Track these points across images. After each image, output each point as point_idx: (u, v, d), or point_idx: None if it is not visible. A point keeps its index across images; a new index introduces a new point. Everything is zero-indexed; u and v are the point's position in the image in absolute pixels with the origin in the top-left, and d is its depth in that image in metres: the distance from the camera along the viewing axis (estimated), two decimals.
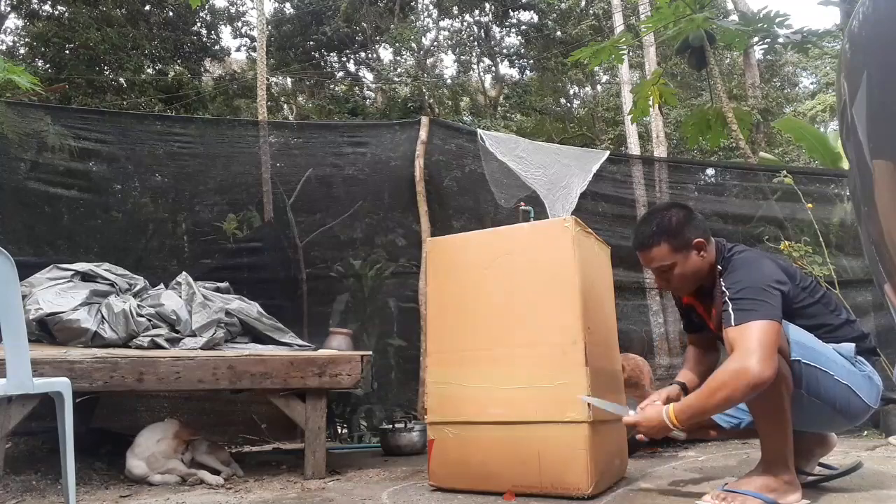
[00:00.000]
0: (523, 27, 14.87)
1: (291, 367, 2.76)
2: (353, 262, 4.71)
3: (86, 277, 3.17)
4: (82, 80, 9.71)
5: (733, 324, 1.77)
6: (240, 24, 14.13)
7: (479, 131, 4.61)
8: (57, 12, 10.71)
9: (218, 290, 3.40)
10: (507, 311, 2.29)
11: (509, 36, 15.37)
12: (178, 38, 11.60)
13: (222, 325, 3.10)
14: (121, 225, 4.55)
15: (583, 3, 13.39)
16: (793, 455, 1.85)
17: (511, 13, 14.62)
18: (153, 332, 2.92)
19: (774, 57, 12.35)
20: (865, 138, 0.91)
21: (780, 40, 4.63)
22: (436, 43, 14.46)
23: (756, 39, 4.96)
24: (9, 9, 10.93)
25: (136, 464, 2.65)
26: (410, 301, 4.45)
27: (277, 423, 4.07)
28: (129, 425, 3.38)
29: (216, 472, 2.71)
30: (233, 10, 14.01)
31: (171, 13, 11.60)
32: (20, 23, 11.31)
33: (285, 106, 14.13)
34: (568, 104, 15.67)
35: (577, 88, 15.97)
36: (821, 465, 2.20)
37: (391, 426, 3.61)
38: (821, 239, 4.00)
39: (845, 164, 4.29)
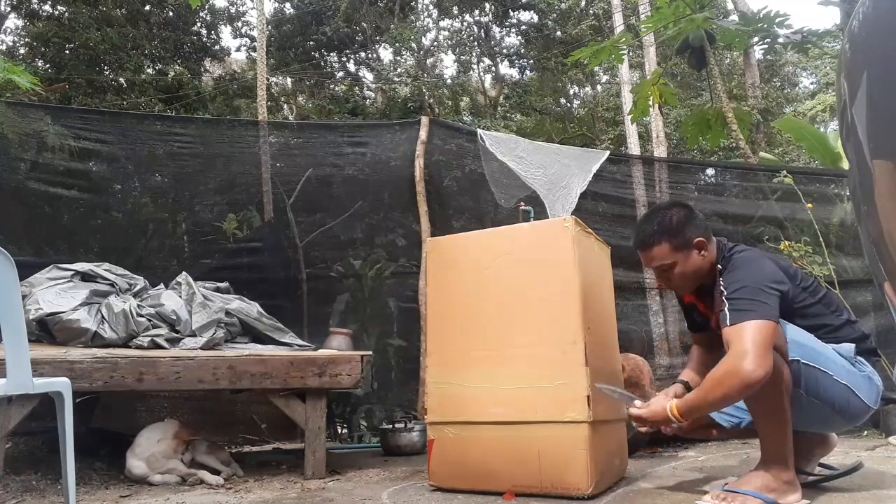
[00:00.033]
0: (523, 27, 14.87)
1: (291, 367, 2.76)
2: (353, 262, 4.71)
3: (86, 277, 3.17)
4: (82, 80, 9.71)
5: (728, 324, 1.79)
6: (240, 24, 14.14)
7: (479, 131, 4.61)
8: (57, 12, 10.71)
9: (218, 290, 3.40)
10: (507, 311, 2.29)
11: (509, 36, 15.39)
12: (178, 38, 11.60)
13: (222, 325, 3.10)
14: (121, 225, 4.55)
15: (583, 3, 13.39)
16: (793, 455, 1.85)
17: (511, 13, 14.62)
18: (153, 332, 2.92)
19: (774, 57, 12.35)
20: (865, 138, 0.91)
21: (780, 40, 4.63)
22: (436, 43, 14.47)
23: (756, 39, 4.96)
24: (9, 9, 10.93)
25: (136, 464, 2.65)
26: (410, 301, 4.45)
27: (277, 423, 4.07)
28: (129, 425, 3.38)
29: (216, 472, 2.71)
30: (233, 10, 14.02)
31: (171, 13, 11.60)
32: (20, 23, 11.32)
33: (285, 106, 14.13)
34: (568, 104, 15.67)
35: (577, 88, 15.97)
36: (821, 465, 2.20)
37: (391, 426, 3.62)
38: (821, 239, 4.00)
39: (845, 164, 4.30)
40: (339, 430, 4.43)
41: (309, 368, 2.78)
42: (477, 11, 14.68)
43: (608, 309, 2.57)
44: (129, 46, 10.34)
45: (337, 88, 14.66)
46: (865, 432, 3.49)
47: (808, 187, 4.62)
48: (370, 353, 3.08)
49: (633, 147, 8.17)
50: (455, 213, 5.03)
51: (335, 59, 14.90)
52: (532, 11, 14.40)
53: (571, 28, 13.01)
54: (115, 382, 2.50)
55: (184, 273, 3.35)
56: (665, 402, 1.91)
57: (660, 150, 7.53)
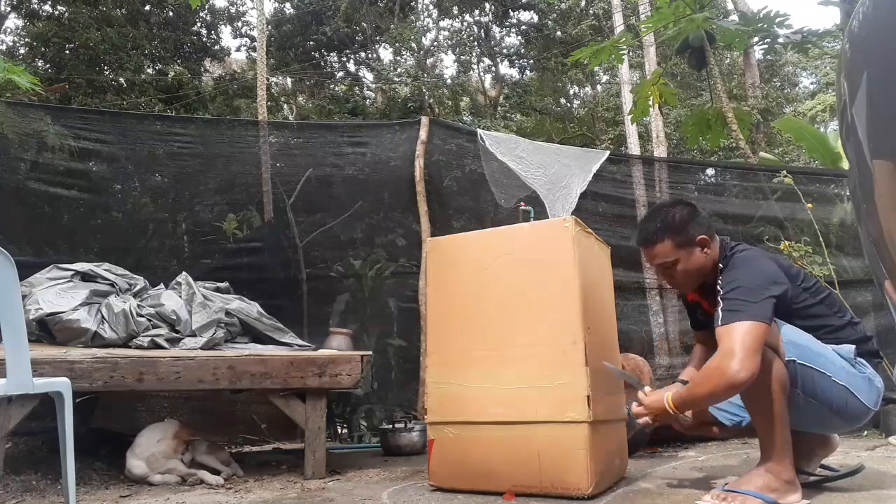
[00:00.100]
0: (523, 27, 14.87)
1: (291, 367, 2.76)
2: (353, 262, 4.71)
3: (86, 277, 3.17)
4: (82, 80, 9.70)
5: (720, 323, 1.81)
6: (240, 24, 14.13)
7: (479, 131, 4.61)
8: (57, 12, 10.71)
9: (218, 290, 3.40)
10: (507, 311, 2.29)
11: (509, 36, 15.38)
12: (178, 38, 11.60)
13: (222, 325, 3.10)
14: (121, 225, 4.55)
15: (583, 3, 13.38)
16: (792, 454, 1.85)
17: (511, 13, 14.61)
18: (153, 332, 2.92)
19: (774, 57, 12.34)
20: (865, 138, 0.91)
21: (780, 40, 4.63)
22: (436, 43, 14.46)
23: (756, 39, 4.96)
24: (9, 9, 10.93)
25: (136, 464, 2.65)
26: (410, 301, 4.45)
27: (277, 423, 4.07)
28: (129, 425, 3.38)
29: (216, 472, 2.71)
30: (233, 10, 14.01)
31: (171, 13, 11.59)
32: (20, 23, 11.32)
33: (285, 106, 14.12)
34: (568, 104, 15.66)
35: (577, 88, 15.97)
36: (822, 466, 2.20)
37: (391, 426, 3.62)
38: (821, 239, 4.00)
39: (845, 164, 4.30)
40: (339, 430, 4.43)
41: (309, 368, 2.78)
42: (477, 11, 14.68)
43: (608, 309, 2.57)
44: (129, 46, 10.34)
45: (337, 88, 14.66)
46: (865, 432, 3.49)
47: (808, 187, 4.63)
48: (370, 353, 3.08)
49: (633, 147, 8.17)
50: (455, 213, 5.03)
51: (335, 59, 14.90)
52: (532, 11, 14.40)
53: (571, 28, 13.01)
54: (115, 382, 2.50)
55: (184, 273, 3.35)
56: (663, 395, 1.96)
57: (660, 150, 7.53)
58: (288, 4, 14.33)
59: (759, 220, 4.76)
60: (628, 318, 4.67)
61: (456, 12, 14.62)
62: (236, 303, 3.29)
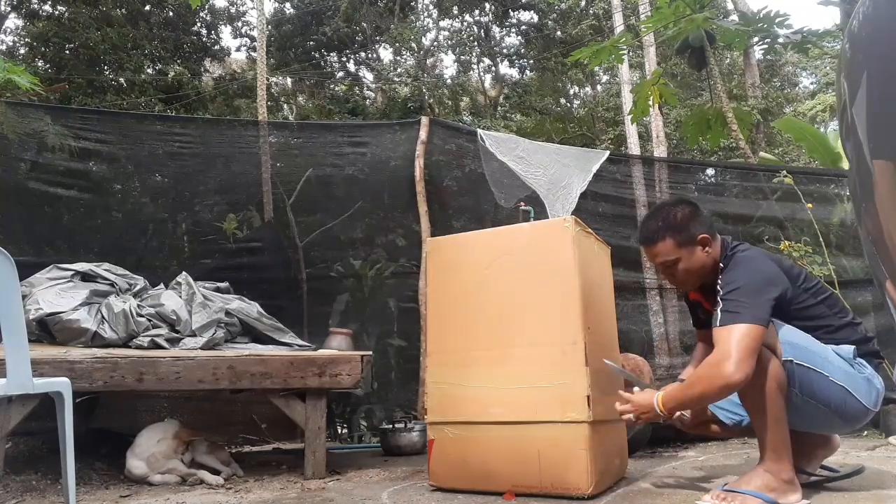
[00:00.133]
0: (523, 27, 14.87)
1: (291, 367, 2.76)
2: (353, 262, 4.71)
3: (86, 277, 3.17)
4: (82, 80, 9.70)
5: (718, 324, 1.83)
6: (240, 24, 14.14)
7: (479, 131, 4.61)
8: (57, 12, 10.71)
9: (218, 290, 3.40)
10: (507, 311, 2.29)
11: (509, 36, 15.39)
12: (178, 38, 11.60)
13: (222, 325, 3.10)
14: (121, 225, 4.55)
15: (583, 3, 13.38)
16: (791, 454, 1.86)
17: (511, 13, 14.62)
18: (153, 332, 2.92)
19: (774, 57, 12.34)
20: (865, 138, 0.91)
21: (780, 40, 4.62)
22: (436, 43, 14.46)
23: (756, 39, 4.96)
24: (9, 9, 10.93)
25: (136, 464, 2.65)
26: (410, 301, 4.45)
27: (277, 423, 4.07)
28: (129, 425, 3.38)
29: (216, 472, 2.71)
30: (233, 10, 14.02)
31: (171, 13, 11.59)
32: (20, 23, 11.32)
33: (285, 106, 14.12)
34: (568, 104, 15.66)
35: (577, 88, 15.97)
36: (822, 467, 2.20)
37: (391, 426, 3.62)
38: (821, 239, 4.00)
39: (845, 164, 4.30)
40: (339, 430, 4.43)
41: (309, 368, 2.78)
42: (477, 11, 14.68)
43: (608, 309, 2.57)
44: (129, 46, 10.34)
45: (337, 88, 14.66)
46: (865, 432, 3.49)
47: (808, 187, 4.62)
48: (370, 353, 3.09)
49: (633, 147, 8.17)
50: (455, 213, 5.02)
51: (335, 59, 14.90)
52: (532, 11, 14.40)
53: (571, 28, 13.01)
54: (115, 382, 2.50)
55: (184, 273, 3.35)
56: (653, 395, 1.95)
57: (660, 150, 7.53)
58: (288, 4, 14.34)
59: (759, 220, 4.76)
60: (628, 318, 4.67)
61: (456, 12, 14.62)
62: (236, 303, 3.29)
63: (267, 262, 4.61)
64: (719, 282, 1.93)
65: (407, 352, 4.48)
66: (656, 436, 3.17)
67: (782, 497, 1.79)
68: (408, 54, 13.78)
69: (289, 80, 14.66)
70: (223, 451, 2.93)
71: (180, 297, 3.14)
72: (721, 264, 2.01)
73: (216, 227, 4.60)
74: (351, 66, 15.20)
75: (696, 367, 2.22)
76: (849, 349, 1.91)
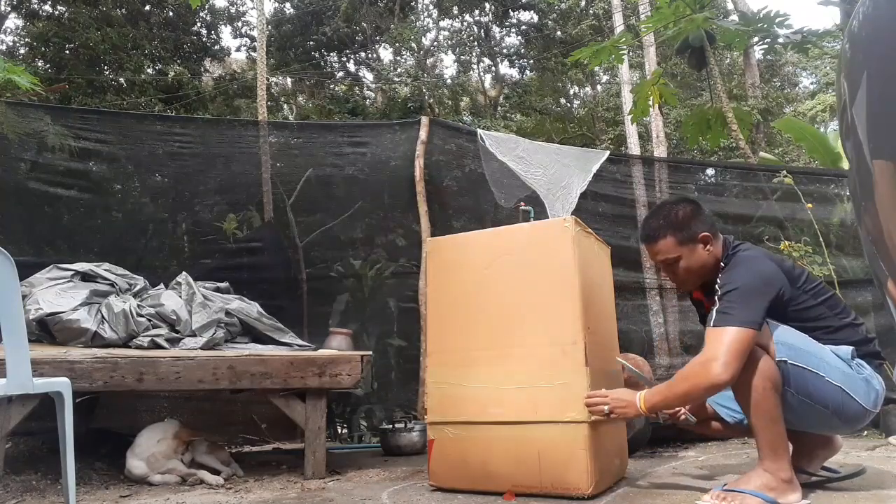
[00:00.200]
0: (523, 27, 14.88)
1: (291, 367, 2.76)
2: (353, 262, 4.71)
3: (86, 277, 3.17)
4: (82, 80, 9.70)
5: (712, 325, 1.85)
6: (240, 24, 14.14)
7: (479, 131, 4.61)
8: (57, 12, 10.71)
9: (218, 290, 3.40)
10: (507, 311, 2.29)
11: (509, 36, 15.39)
12: (178, 38, 11.60)
13: (222, 325, 3.10)
14: (121, 225, 4.55)
15: (583, 3, 13.38)
16: (790, 454, 1.86)
17: (511, 13, 14.62)
18: (153, 332, 2.92)
19: (774, 57, 12.35)
20: (865, 138, 0.91)
21: (780, 40, 4.62)
22: (436, 43, 14.47)
23: (756, 39, 4.96)
24: (9, 9, 10.93)
25: (136, 464, 2.65)
26: (410, 301, 4.45)
27: (277, 423, 4.07)
28: (129, 425, 3.38)
29: (216, 472, 2.71)
30: (233, 10, 14.02)
31: (171, 13, 11.59)
32: (20, 23, 11.32)
33: (285, 106, 14.12)
34: (568, 104, 15.67)
35: (577, 88, 15.97)
36: (823, 468, 2.19)
37: (391, 426, 3.62)
38: (821, 239, 4.00)
39: (845, 164, 4.30)
40: (339, 430, 4.43)
41: (309, 368, 2.78)
42: (477, 11, 14.68)
43: (608, 309, 2.57)
44: (129, 46, 10.34)
45: (337, 88, 14.67)
46: (865, 432, 3.48)
47: (808, 187, 4.62)
48: (370, 353, 3.08)
49: (633, 147, 8.17)
50: (455, 213, 5.02)
51: (335, 59, 14.90)
52: (532, 11, 14.40)
53: (571, 28, 13.01)
54: (115, 382, 2.50)
55: (184, 273, 3.35)
56: (636, 393, 1.97)
57: (660, 150, 7.53)
58: (288, 4, 14.34)
59: (759, 220, 4.76)
60: (628, 318, 4.67)
61: (456, 12, 14.63)
62: (236, 303, 3.29)
63: (267, 262, 4.61)
64: (718, 281, 1.94)
65: (407, 352, 4.48)
66: (656, 436, 3.17)
67: (782, 496, 1.79)
68: (408, 54, 13.78)
69: (289, 80, 14.66)
70: (223, 451, 2.93)
71: (180, 297, 3.14)
72: (722, 263, 2.01)
73: (216, 227, 4.61)
74: (351, 66, 15.22)
75: None
76: (847, 350, 1.91)
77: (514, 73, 15.69)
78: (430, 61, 14.10)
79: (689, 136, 5.43)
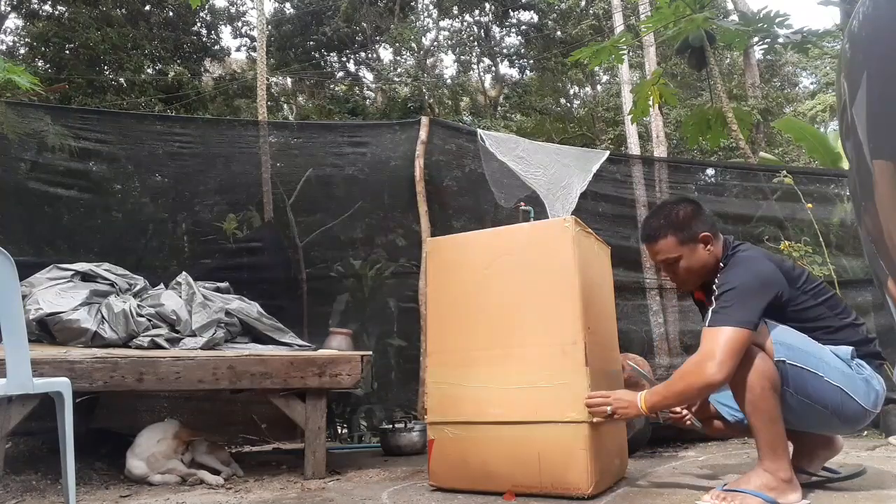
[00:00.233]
0: (523, 27, 14.88)
1: (291, 367, 2.76)
2: (353, 262, 4.71)
3: (86, 277, 3.17)
4: (82, 80, 9.70)
5: (707, 324, 1.87)
6: (240, 24, 14.14)
7: (479, 131, 4.61)
8: (57, 12, 10.71)
9: (218, 290, 3.40)
10: (507, 311, 2.29)
11: (509, 36, 15.39)
12: (178, 38, 11.60)
13: (222, 325, 3.10)
14: (121, 225, 4.55)
15: (583, 3, 13.38)
16: (789, 453, 1.86)
17: (511, 13, 14.62)
18: (153, 332, 2.92)
19: (774, 57, 12.35)
20: (865, 138, 0.91)
21: (780, 40, 4.62)
22: (436, 43, 14.46)
23: (756, 39, 4.95)
24: (9, 9, 10.93)
25: (136, 464, 2.65)
26: (410, 301, 4.45)
27: (277, 423, 4.07)
28: (129, 425, 3.38)
29: (216, 472, 2.71)
30: (233, 10, 14.02)
31: (171, 13, 11.59)
32: (20, 23, 11.32)
33: (285, 106, 14.12)
34: (568, 104, 15.67)
35: (577, 88, 15.97)
36: (824, 468, 2.19)
37: (391, 426, 3.62)
38: (821, 239, 4.00)
39: (845, 164, 4.29)
40: (339, 430, 4.43)
41: (309, 368, 2.78)
42: (477, 11, 14.68)
43: (608, 309, 2.57)
44: (129, 46, 10.34)
45: (337, 88, 14.67)
46: (865, 432, 3.49)
47: (808, 187, 4.63)
48: (370, 353, 3.08)
49: (633, 147, 8.17)
50: (455, 213, 5.02)
51: (335, 59, 14.90)
52: (532, 11, 14.40)
53: (571, 28, 13.01)
54: (115, 382, 2.50)
55: (184, 273, 3.35)
56: (637, 393, 1.99)
57: (660, 150, 7.53)
58: (288, 4, 14.34)
59: (759, 220, 4.76)
60: (628, 318, 4.67)
61: (456, 12, 14.63)
62: (236, 303, 3.29)
63: (267, 262, 4.61)
64: (716, 281, 1.95)
65: (407, 352, 4.48)
66: (656, 436, 3.17)
67: (782, 496, 1.79)
68: (408, 54, 13.78)
69: (289, 80, 14.66)
70: (223, 451, 2.93)
71: (180, 297, 3.14)
72: (721, 263, 2.01)
73: (216, 227, 4.61)
74: (351, 66, 15.22)
75: None
76: (847, 350, 1.91)
77: (514, 73, 15.72)
78: (430, 61, 14.11)
79: (689, 136, 5.43)
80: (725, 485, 1.95)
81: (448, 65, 17.92)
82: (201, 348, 2.89)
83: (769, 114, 10.17)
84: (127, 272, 3.36)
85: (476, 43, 15.03)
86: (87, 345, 2.80)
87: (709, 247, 2.03)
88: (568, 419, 2.08)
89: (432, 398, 2.39)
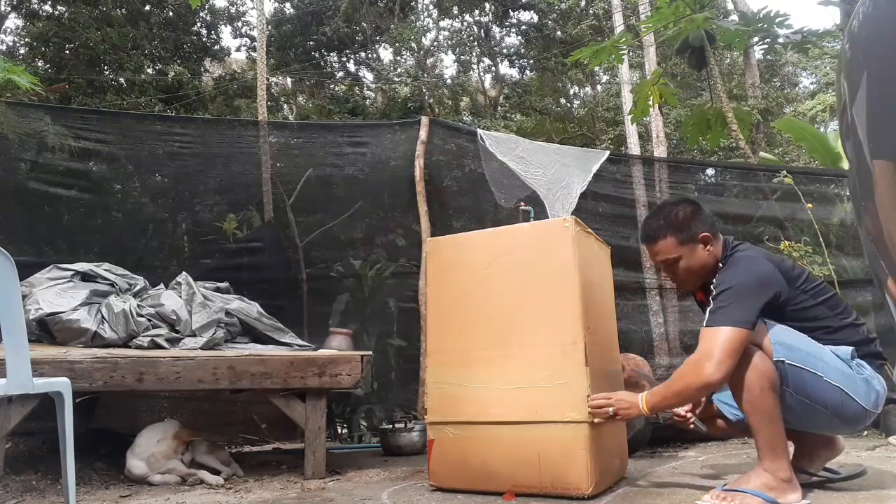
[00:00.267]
0: (523, 27, 14.87)
1: (291, 367, 2.76)
2: (353, 262, 4.71)
3: (86, 277, 3.17)
4: (82, 80, 9.70)
5: (705, 324, 1.87)
6: (240, 24, 14.14)
7: (479, 131, 4.61)
8: (57, 12, 10.71)
9: (218, 290, 3.40)
10: (507, 311, 2.29)
11: (509, 36, 15.39)
12: (178, 38, 11.60)
13: (222, 325, 3.10)
14: (121, 225, 4.55)
15: (583, 3, 13.38)
16: (788, 453, 1.86)
17: (511, 13, 14.62)
18: (153, 332, 2.92)
19: (774, 57, 12.35)
20: (865, 138, 0.91)
21: (780, 40, 4.62)
22: (436, 43, 14.46)
23: (756, 39, 4.96)
24: (9, 9, 10.93)
25: (136, 464, 2.65)
26: (410, 301, 4.45)
27: (277, 423, 4.07)
28: (129, 425, 3.38)
29: (216, 472, 2.71)
30: (233, 10, 14.02)
31: (171, 13, 11.59)
32: (20, 23, 11.32)
33: (285, 106, 14.12)
34: (568, 104, 15.66)
35: (577, 88, 15.97)
36: (824, 468, 2.19)
37: (391, 426, 3.62)
38: (821, 239, 4.00)
39: (845, 164, 4.30)
40: (339, 430, 4.43)
41: (309, 368, 2.78)
42: (477, 11, 14.68)
43: (608, 309, 2.57)
44: (129, 46, 10.34)
45: (337, 88, 14.67)
46: (865, 432, 3.48)
47: (808, 187, 4.63)
48: (370, 353, 3.08)
49: (633, 147, 8.16)
50: (455, 213, 5.02)
51: (335, 59, 14.90)
52: (532, 11, 14.40)
53: (571, 28, 13.01)
54: (115, 382, 2.50)
55: (184, 273, 3.35)
56: (638, 394, 2.00)
57: (660, 150, 7.53)
58: (288, 4, 14.34)
59: (759, 220, 4.76)
60: (628, 318, 4.67)
61: (456, 12, 14.62)
62: (236, 303, 3.29)
63: (267, 262, 4.61)
64: (714, 281, 1.95)
65: (407, 352, 4.48)
66: (656, 436, 3.17)
67: (782, 496, 1.79)
68: (408, 54, 13.78)
69: (289, 80, 14.66)
70: (223, 451, 2.93)
71: (180, 297, 3.14)
72: (720, 263, 2.01)
73: (216, 227, 4.60)
74: (351, 66, 15.21)
75: None
76: (847, 350, 1.91)
77: (514, 73, 15.71)
78: (430, 61, 14.11)
79: (689, 136, 5.43)
80: (725, 484, 1.95)
81: (448, 65, 17.94)
82: (201, 348, 2.89)
83: (769, 114, 10.17)
84: (127, 272, 3.36)
85: (476, 43, 15.03)
86: (87, 345, 2.80)
87: (708, 247, 2.04)
88: (568, 419, 2.08)
89: (432, 398, 2.40)
